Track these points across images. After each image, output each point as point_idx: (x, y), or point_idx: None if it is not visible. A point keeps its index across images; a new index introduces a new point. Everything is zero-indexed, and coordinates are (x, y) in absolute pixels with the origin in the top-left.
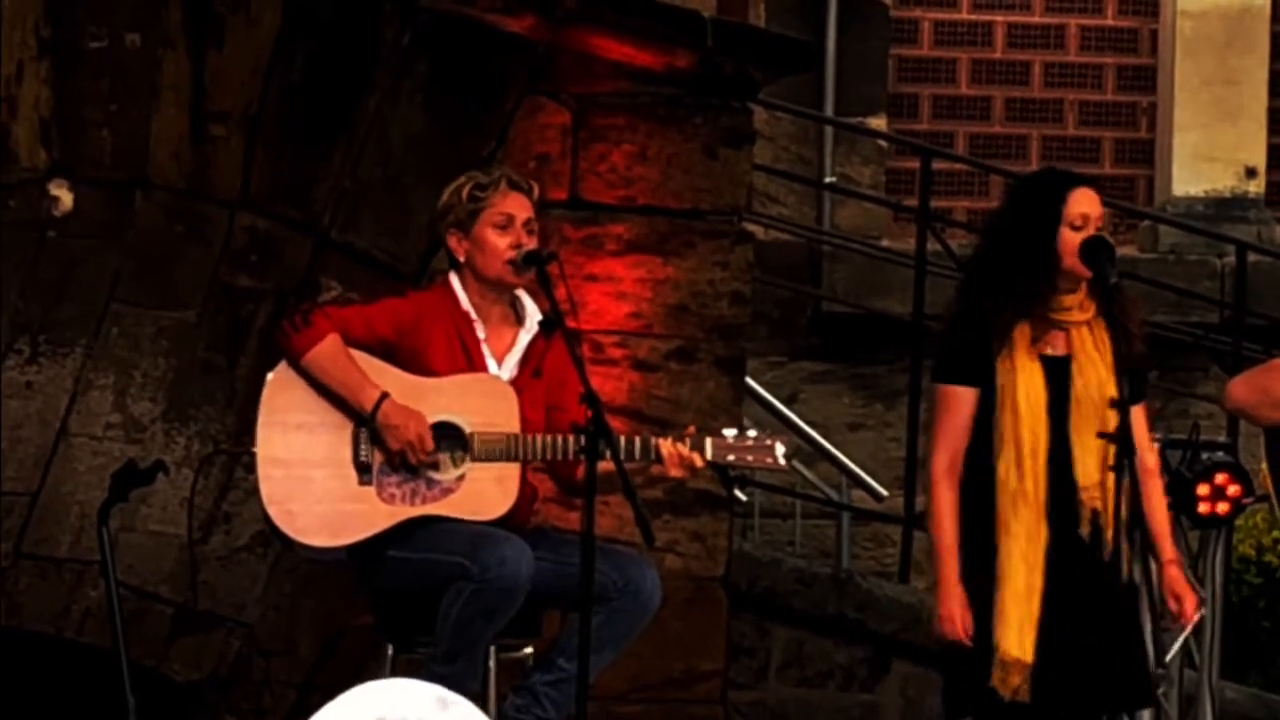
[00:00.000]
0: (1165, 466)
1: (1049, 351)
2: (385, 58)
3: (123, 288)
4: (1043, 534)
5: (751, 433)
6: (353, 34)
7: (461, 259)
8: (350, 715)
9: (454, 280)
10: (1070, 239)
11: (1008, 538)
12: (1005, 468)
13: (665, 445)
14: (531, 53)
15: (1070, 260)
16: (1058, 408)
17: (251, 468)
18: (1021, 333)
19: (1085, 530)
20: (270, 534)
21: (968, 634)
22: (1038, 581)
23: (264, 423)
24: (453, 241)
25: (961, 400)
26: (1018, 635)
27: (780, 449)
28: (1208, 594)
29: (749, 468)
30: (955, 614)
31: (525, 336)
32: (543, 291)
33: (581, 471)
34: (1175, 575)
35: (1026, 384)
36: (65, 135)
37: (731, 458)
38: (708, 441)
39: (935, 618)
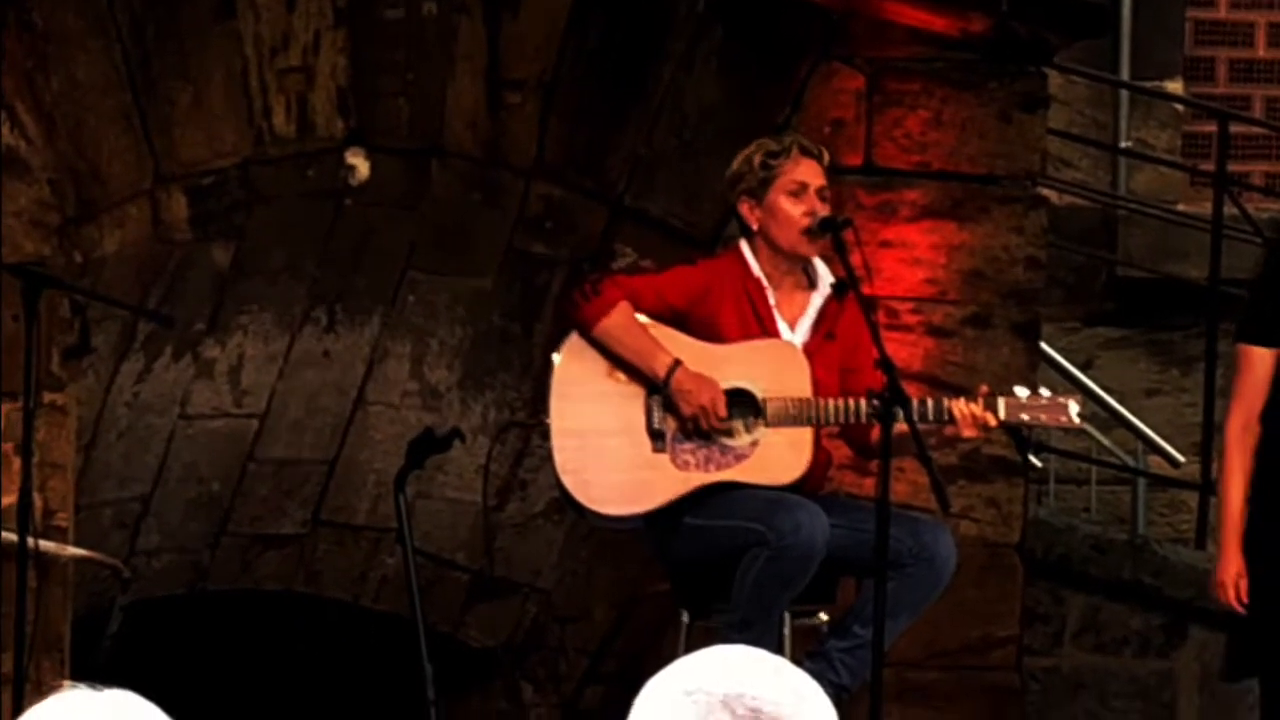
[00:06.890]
0: None
1: None
2: (679, 25)
3: (419, 256)
4: None
5: (1044, 392)
6: (647, 1)
7: (755, 227)
8: (698, 682)
9: (744, 248)
10: None
11: None
12: None
13: (959, 406)
14: (826, 18)
15: None
16: None
17: (547, 435)
18: None
19: None
20: (564, 504)
21: (1240, 601)
22: None
23: (556, 394)
24: (744, 209)
25: (1259, 361)
26: None
27: (1074, 407)
28: None
29: (1043, 426)
30: (1228, 581)
31: (818, 299)
32: (838, 257)
33: (876, 435)
34: None
35: None
36: (362, 104)
37: (1025, 417)
38: (1001, 401)
39: (1210, 583)
